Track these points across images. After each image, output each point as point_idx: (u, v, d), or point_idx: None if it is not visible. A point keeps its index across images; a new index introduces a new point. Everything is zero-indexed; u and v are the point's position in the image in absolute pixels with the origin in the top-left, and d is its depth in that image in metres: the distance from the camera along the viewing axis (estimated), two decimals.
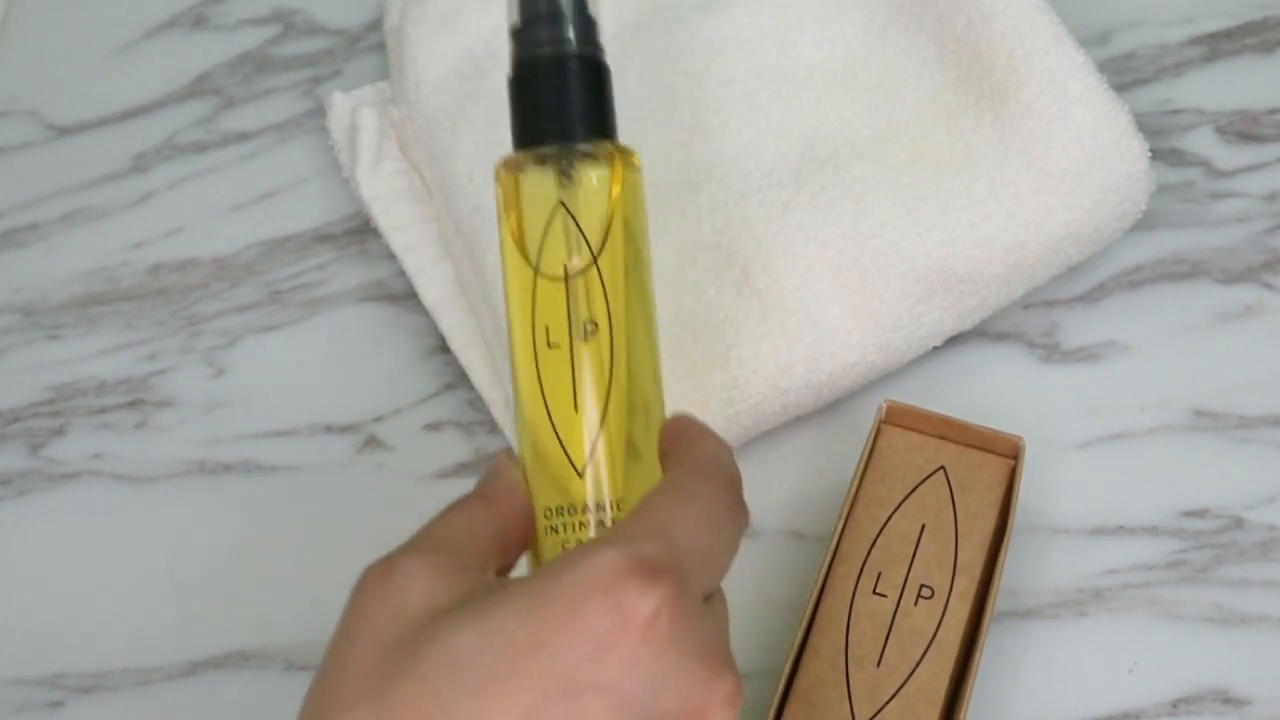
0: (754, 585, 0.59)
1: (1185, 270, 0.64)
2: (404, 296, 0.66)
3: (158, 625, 0.60)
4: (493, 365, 0.62)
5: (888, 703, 0.52)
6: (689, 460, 0.43)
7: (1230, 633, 0.58)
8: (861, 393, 0.62)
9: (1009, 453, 0.57)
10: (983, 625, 0.54)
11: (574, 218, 0.44)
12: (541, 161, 0.45)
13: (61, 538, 0.62)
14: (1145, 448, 0.61)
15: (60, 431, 0.64)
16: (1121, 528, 0.60)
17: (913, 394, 0.61)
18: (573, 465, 0.44)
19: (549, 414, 0.44)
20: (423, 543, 0.42)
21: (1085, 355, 0.63)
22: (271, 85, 0.73)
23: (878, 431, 0.57)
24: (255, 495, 0.63)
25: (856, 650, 0.53)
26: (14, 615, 0.61)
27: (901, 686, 0.53)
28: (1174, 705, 0.57)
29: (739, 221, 0.61)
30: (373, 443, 0.63)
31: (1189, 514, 0.60)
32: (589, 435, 0.44)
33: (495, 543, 0.43)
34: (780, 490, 0.61)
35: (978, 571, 0.55)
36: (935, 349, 0.62)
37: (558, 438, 0.44)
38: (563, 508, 0.44)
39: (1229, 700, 0.57)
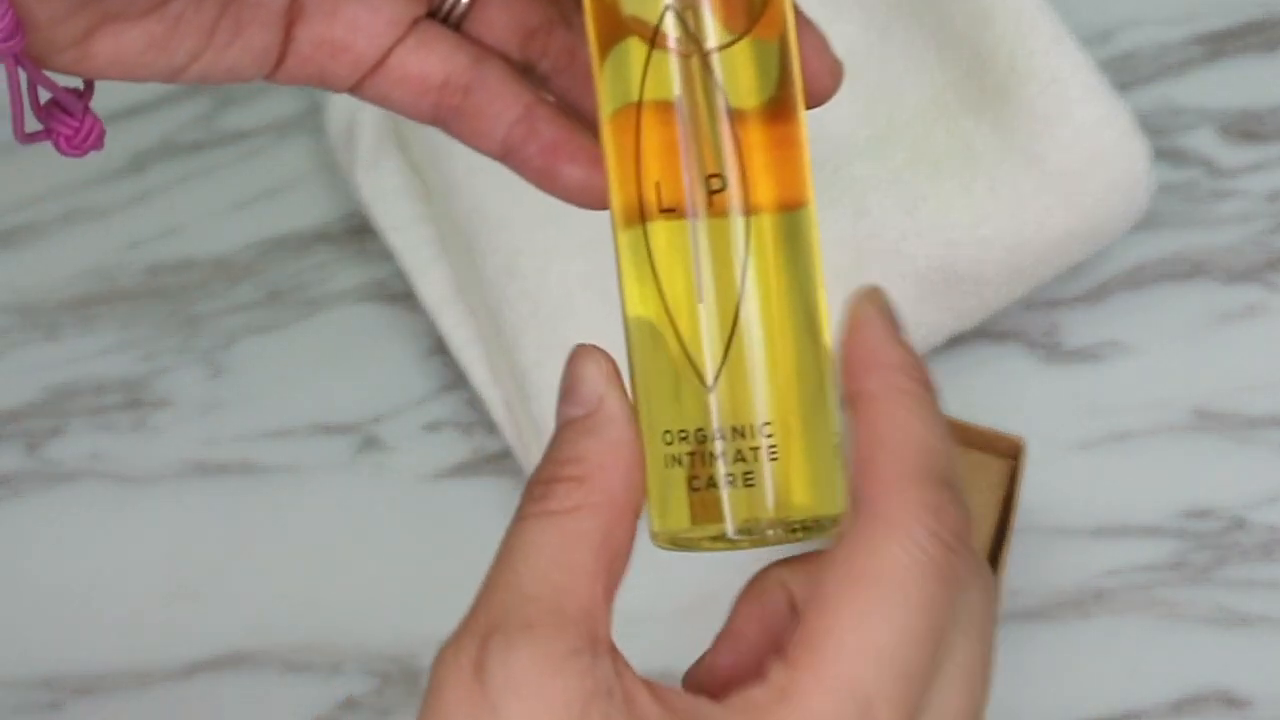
0: None
1: (1187, 270, 0.64)
2: (403, 296, 0.65)
3: (155, 626, 0.60)
4: (491, 365, 0.62)
5: None
6: (903, 520, 0.31)
7: (1232, 633, 0.58)
8: None
9: (1010, 453, 0.57)
10: None
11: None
12: None
13: (59, 538, 0.62)
14: (1147, 448, 0.61)
15: (58, 432, 0.64)
16: (1123, 528, 0.59)
17: None
18: (698, 375, 0.34)
19: (665, 304, 0.34)
20: (511, 609, 0.31)
21: (1086, 355, 0.63)
22: (270, 84, 0.72)
23: None
24: (253, 496, 0.63)
25: None
26: (11, 616, 0.61)
27: None
28: (1176, 706, 0.56)
29: None
30: (372, 443, 0.63)
31: (1191, 514, 0.60)
32: (719, 333, 0.34)
33: (604, 571, 0.32)
34: None
35: None
36: (936, 349, 0.62)
37: (678, 337, 0.34)
38: (687, 433, 0.34)
39: (1231, 701, 0.56)
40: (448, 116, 0.39)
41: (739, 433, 0.34)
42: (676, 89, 0.34)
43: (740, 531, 0.34)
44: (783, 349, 0.34)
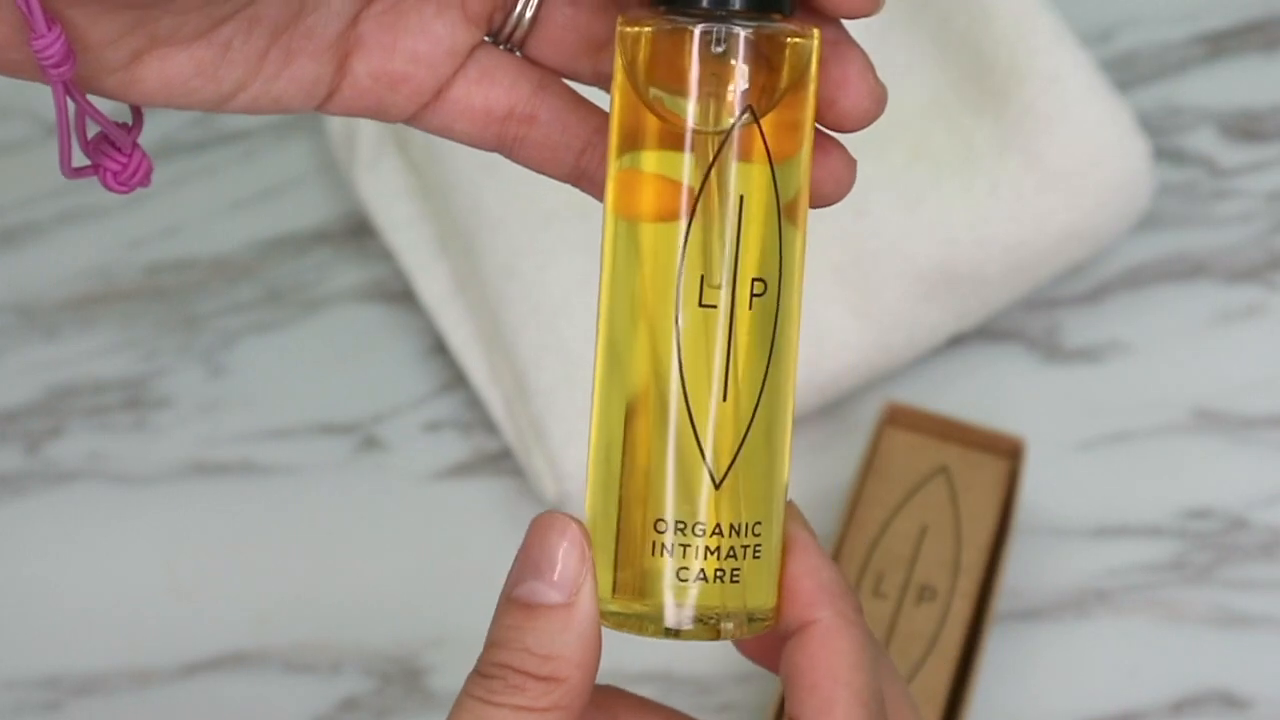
0: None
1: (1187, 270, 0.64)
2: (402, 296, 0.65)
3: (155, 626, 0.60)
4: (491, 365, 0.62)
5: None
6: None
7: (1232, 633, 0.58)
8: (862, 393, 0.62)
9: (1010, 453, 0.57)
10: (984, 626, 0.54)
11: (758, 121, 0.34)
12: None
13: (59, 538, 0.62)
14: (1147, 448, 0.61)
15: (57, 432, 0.64)
16: (1123, 528, 0.59)
17: (914, 394, 0.61)
18: (710, 473, 0.34)
19: (686, 400, 0.34)
20: None
21: (1087, 355, 0.63)
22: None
23: (879, 432, 0.57)
24: (253, 496, 0.62)
25: None
26: (11, 616, 0.61)
27: None
28: (1176, 706, 0.56)
29: None
30: (371, 443, 0.63)
31: (1191, 514, 0.60)
32: (735, 432, 0.34)
33: None
34: None
35: (979, 572, 0.55)
36: (936, 349, 0.62)
37: (693, 431, 0.34)
38: (683, 524, 0.34)
39: (1231, 701, 0.56)
40: (513, 145, 0.38)
41: (735, 530, 0.34)
42: (711, 183, 0.34)
43: (698, 620, 0.35)
44: (774, 450, 0.35)
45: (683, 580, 0.34)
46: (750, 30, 0.34)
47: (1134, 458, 0.61)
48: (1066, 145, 0.60)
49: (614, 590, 0.35)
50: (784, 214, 0.35)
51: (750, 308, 0.34)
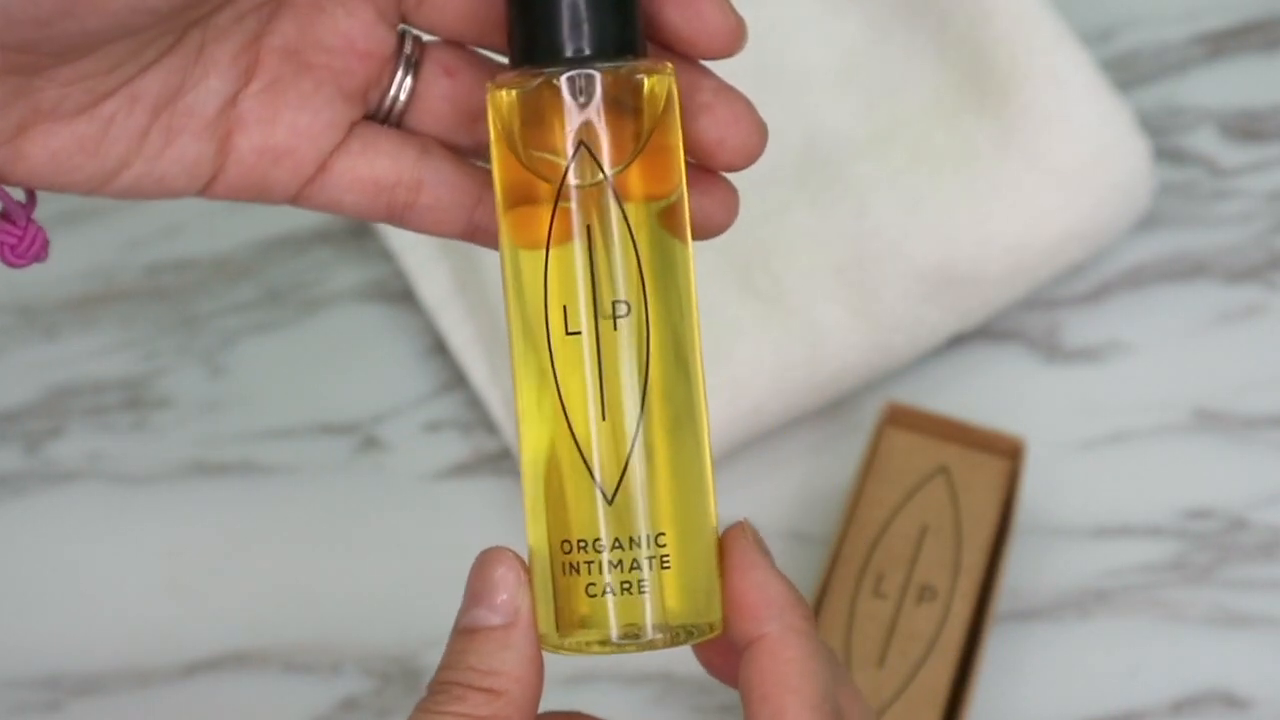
0: None
1: (1188, 270, 0.64)
2: (402, 296, 0.65)
3: (155, 626, 0.60)
4: (491, 364, 0.62)
5: (890, 704, 0.52)
6: None
7: (1232, 634, 0.58)
8: (862, 393, 0.62)
9: (1011, 453, 0.57)
10: (984, 626, 0.54)
11: (595, 156, 0.36)
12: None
13: (58, 539, 0.62)
14: (1148, 448, 0.61)
15: (57, 432, 0.64)
16: (1124, 528, 0.59)
17: (914, 394, 0.61)
18: (600, 490, 0.36)
19: (569, 423, 0.36)
20: None
21: (1087, 355, 0.63)
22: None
23: (879, 432, 0.57)
24: (253, 496, 0.62)
25: (858, 651, 0.53)
26: (10, 616, 0.61)
27: (903, 688, 0.53)
28: (1176, 706, 0.56)
29: (739, 221, 0.61)
30: (371, 443, 0.63)
31: (1191, 514, 0.60)
32: (618, 449, 0.36)
33: None
34: (781, 491, 0.61)
35: (979, 573, 0.55)
36: (936, 349, 0.62)
37: (579, 452, 0.36)
38: (585, 542, 0.36)
39: (1231, 701, 0.56)
40: (404, 213, 0.40)
41: (634, 542, 0.36)
42: (584, 220, 0.36)
43: (625, 636, 0.37)
44: (674, 463, 0.37)
45: (592, 595, 0.36)
46: (609, 73, 0.36)
47: (1134, 458, 0.61)
48: (1066, 145, 0.60)
49: (555, 615, 0.37)
50: (651, 237, 0.37)
51: (615, 329, 0.36)
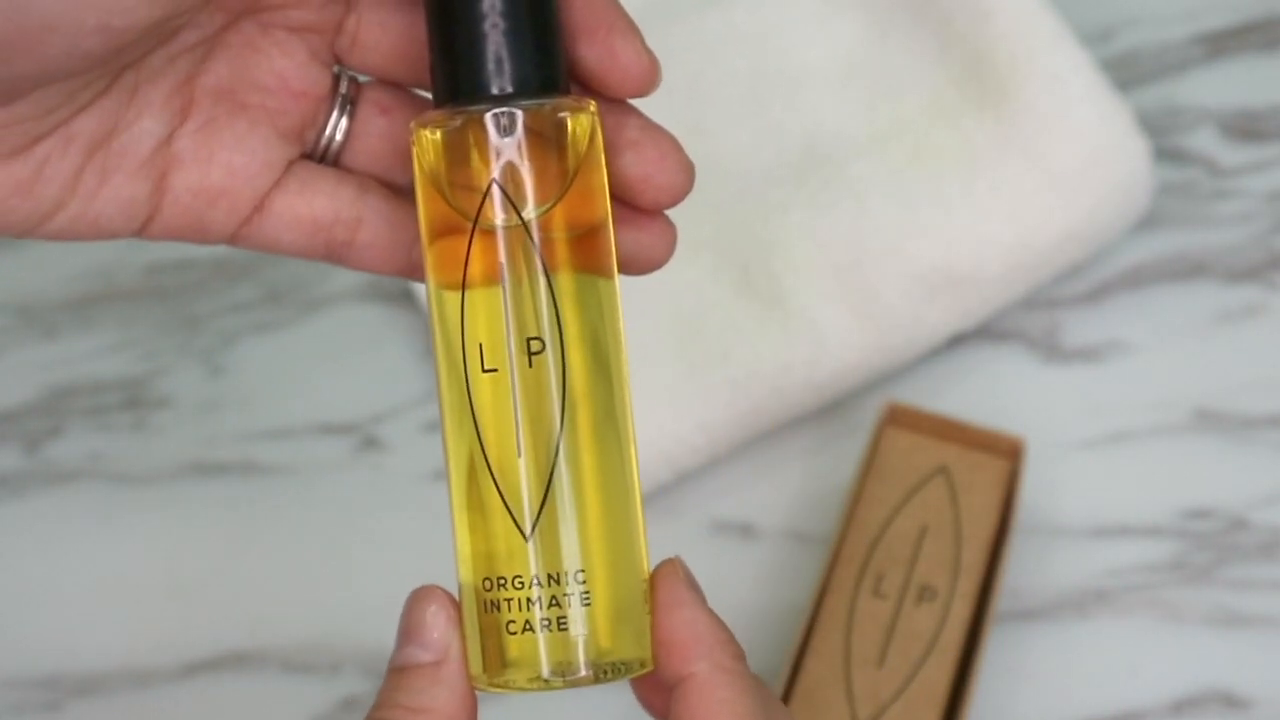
0: (755, 586, 0.59)
1: (1188, 270, 0.64)
2: (402, 296, 0.65)
3: (155, 626, 0.60)
4: None
5: (889, 704, 0.52)
6: None
7: (1232, 634, 0.58)
8: (862, 393, 0.62)
9: (1010, 453, 0.57)
10: (984, 626, 0.54)
11: (511, 203, 0.36)
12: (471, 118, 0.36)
13: (58, 539, 0.62)
14: (1147, 448, 0.61)
15: (57, 432, 0.64)
16: (1124, 528, 0.59)
17: (914, 394, 0.61)
18: (517, 526, 0.36)
19: (486, 459, 0.36)
20: None
21: (1087, 355, 0.63)
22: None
23: (879, 432, 0.57)
24: (253, 496, 0.62)
25: (858, 651, 0.53)
26: (10, 616, 0.61)
27: (903, 688, 0.53)
28: (1176, 706, 0.56)
29: (739, 221, 0.61)
30: (371, 443, 0.63)
31: (1191, 514, 0.60)
32: (536, 486, 0.36)
33: None
34: (781, 491, 0.61)
35: (979, 573, 0.55)
36: (936, 349, 0.62)
37: (498, 489, 0.36)
38: (504, 579, 0.36)
39: (1231, 701, 0.56)
40: (343, 252, 0.40)
41: (554, 579, 0.36)
42: (500, 258, 0.36)
43: (554, 673, 0.36)
44: (597, 499, 0.37)
45: (512, 633, 0.36)
46: (531, 111, 0.36)
47: (1134, 458, 0.61)
48: (1066, 145, 0.60)
49: (481, 653, 0.37)
50: (574, 274, 0.37)
51: (530, 366, 0.36)
